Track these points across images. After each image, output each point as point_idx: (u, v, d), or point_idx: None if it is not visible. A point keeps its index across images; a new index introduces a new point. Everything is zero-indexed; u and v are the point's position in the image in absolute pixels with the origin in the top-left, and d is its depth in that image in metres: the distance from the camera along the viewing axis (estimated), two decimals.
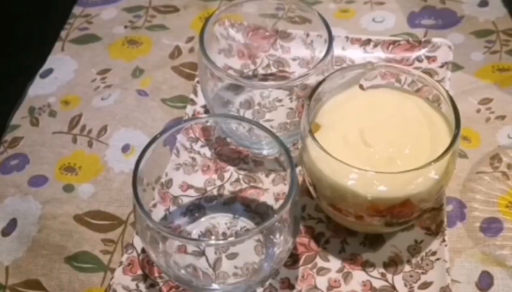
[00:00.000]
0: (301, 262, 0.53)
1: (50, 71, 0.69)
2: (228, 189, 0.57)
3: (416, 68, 0.65)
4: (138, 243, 0.53)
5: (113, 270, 0.53)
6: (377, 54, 0.67)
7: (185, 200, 0.56)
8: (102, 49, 0.71)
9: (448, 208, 0.56)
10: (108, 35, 0.72)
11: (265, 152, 0.55)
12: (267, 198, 0.55)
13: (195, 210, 0.56)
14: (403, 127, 0.52)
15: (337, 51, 0.65)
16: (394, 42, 0.67)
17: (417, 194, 0.49)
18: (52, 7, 0.76)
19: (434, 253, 0.53)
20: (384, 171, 0.48)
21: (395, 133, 0.52)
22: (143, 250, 0.53)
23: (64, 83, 0.68)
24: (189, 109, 0.63)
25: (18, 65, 0.71)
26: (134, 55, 0.70)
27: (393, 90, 0.55)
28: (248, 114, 0.61)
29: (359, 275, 0.53)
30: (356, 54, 0.67)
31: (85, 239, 0.55)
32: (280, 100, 0.61)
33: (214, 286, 0.51)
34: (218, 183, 0.57)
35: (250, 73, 0.66)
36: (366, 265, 0.53)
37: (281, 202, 0.48)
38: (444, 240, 0.53)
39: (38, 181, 0.59)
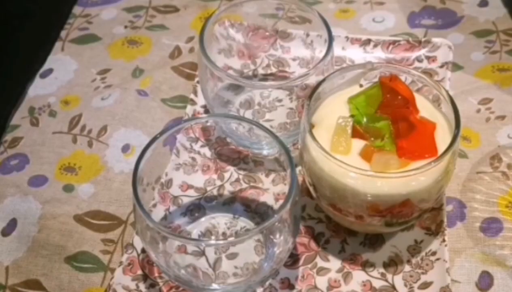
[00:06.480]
0: (301, 262, 0.53)
1: (50, 71, 0.69)
2: (228, 189, 0.57)
3: (416, 68, 0.65)
4: (138, 243, 0.53)
5: (113, 270, 0.53)
6: (377, 54, 0.67)
7: (185, 200, 0.56)
8: (102, 49, 0.71)
9: (448, 208, 0.56)
10: (108, 35, 0.72)
11: (265, 152, 0.55)
12: (267, 198, 0.55)
13: (195, 210, 0.56)
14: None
15: (337, 51, 0.65)
16: (394, 42, 0.67)
17: (417, 194, 0.49)
18: (52, 7, 0.76)
19: (434, 253, 0.53)
20: (384, 171, 0.48)
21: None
22: (143, 250, 0.53)
23: (64, 83, 0.68)
24: (189, 109, 0.63)
25: (18, 65, 0.71)
26: (134, 55, 0.70)
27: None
28: (248, 114, 0.61)
29: (359, 275, 0.53)
30: (356, 54, 0.67)
31: (85, 239, 0.55)
32: (280, 100, 0.61)
33: (214, 286, 0.51)
34: (218, 183, 0.57)
35: (250, 73, 0.66)
36: (366, 265, 0.53)
37: (281, 202, 0.48)
38: (444, 240, 0.53)
39: (38, 181, 0.59)
